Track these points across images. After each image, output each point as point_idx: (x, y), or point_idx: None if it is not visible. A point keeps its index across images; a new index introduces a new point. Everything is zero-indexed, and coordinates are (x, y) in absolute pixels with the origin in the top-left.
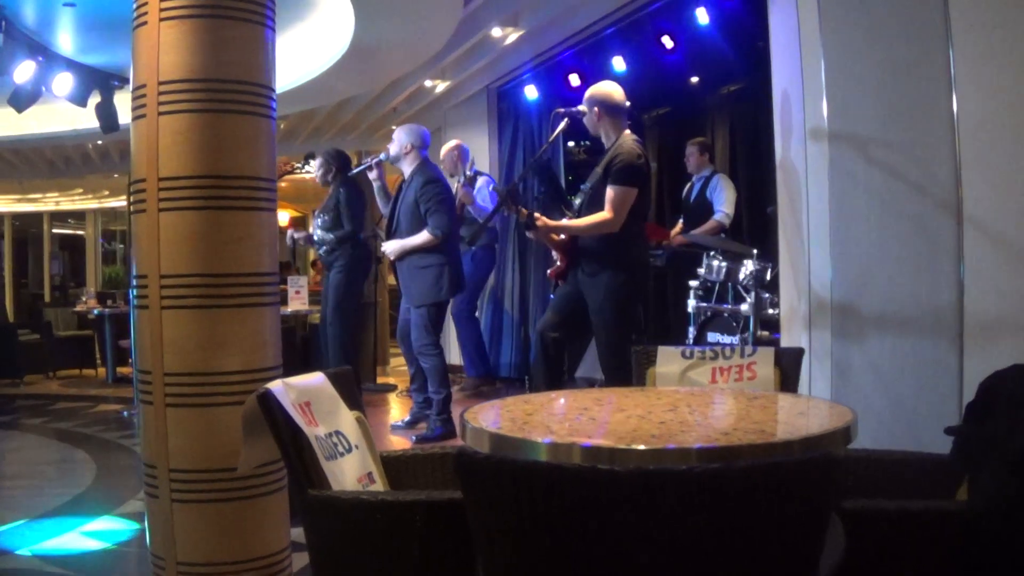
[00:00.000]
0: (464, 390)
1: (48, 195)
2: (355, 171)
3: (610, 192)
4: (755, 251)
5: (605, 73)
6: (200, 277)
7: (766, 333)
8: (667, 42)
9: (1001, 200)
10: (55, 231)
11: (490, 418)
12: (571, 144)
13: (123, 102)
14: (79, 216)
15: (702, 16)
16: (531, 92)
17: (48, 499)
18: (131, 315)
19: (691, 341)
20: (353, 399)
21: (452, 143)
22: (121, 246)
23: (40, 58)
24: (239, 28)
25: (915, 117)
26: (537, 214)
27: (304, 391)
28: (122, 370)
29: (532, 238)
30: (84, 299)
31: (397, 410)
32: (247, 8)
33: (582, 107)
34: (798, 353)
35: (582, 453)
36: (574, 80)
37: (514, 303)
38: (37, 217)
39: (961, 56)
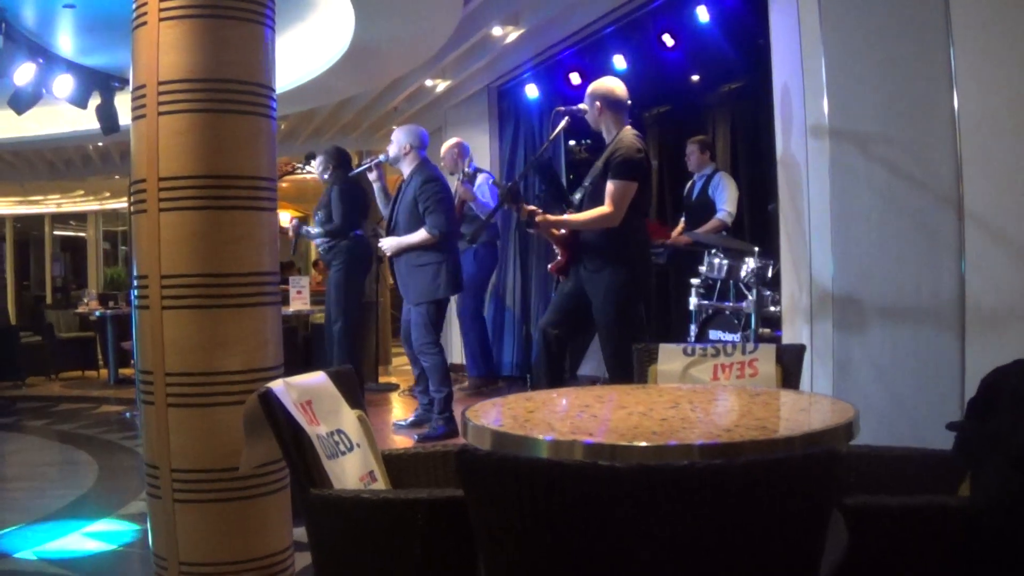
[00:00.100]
0: (465, 390)
1: (49, 197)
2: (355, 172)
3: (610, 186)
4: (756, 248)
5: (605, 72)
6: (201, 277)
7: (767, 330)
8: (668, 40)
9: (1002, 196)
10: (56, 233)
11: (492, 416)
12: (572, 143)
13: (123, 103)
14: (80, 218)
15: (702, 14)
16: (532, 91)
17: (50, 501)
18: (133, 316)
19: (693, 339)
20: (354, 398)
21: (452, 141)
22: (123, 248)
23: (40, 60)
24: (239, 28)
25: (916, 114)
26: (537, 208)
27: (305, 390)
28: (124, 371)
29: (534, 233)
30: (86, 301)
31: (399, 409)
32: (247, 8)
33: (583, 105)
34: (799, 350)
35: (584, 450)
36: (575, 79)
37: (516, 301)
38: (38, 219)
39: (961, 53)
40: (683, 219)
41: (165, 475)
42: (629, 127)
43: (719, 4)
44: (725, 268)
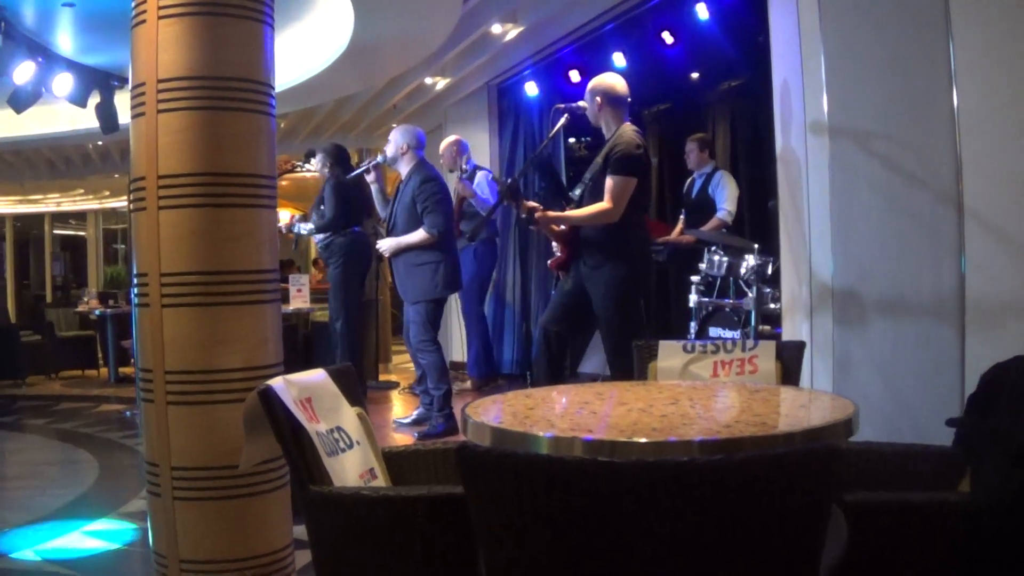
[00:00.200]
0: (466, 388)
1: (49, 196)
2: (352, 175)
3: (609, 182)
4: (756, 246)
5: (605, 69)
6: (200, 275)
7: (767, 327)
8: (667, 38)
9: (1002, 192)
10: (56, 232)
11: (492, 413)
12: (571, 140)
13: (123, 102)
14: (80, 217)
15: (702, 11)
16: (531, 88)
17: (51, 499)
18: (132, 314)
19: (693, 336)
20: (354, 395)
21: (451, 138)
22: (122, 246)
23: (40, 58)
24: (238, 25)
25: (916, 111)
26: (537, 205)
27: (305, 388)
28: (124, 370)
29: (534, 230)
30: (86, 299)
31: (399, 407)
32: (246, 5)
33: (582, 103)
34: (799, 347)
35: (583, 446)
36: (574, 76)
37: (515, 298)
38: (38, 218)
39: (961, 50)
40: (682, 217)
41: (165, 473)
42: (629, 123)
43: (719, 1)
44: (725, 265)
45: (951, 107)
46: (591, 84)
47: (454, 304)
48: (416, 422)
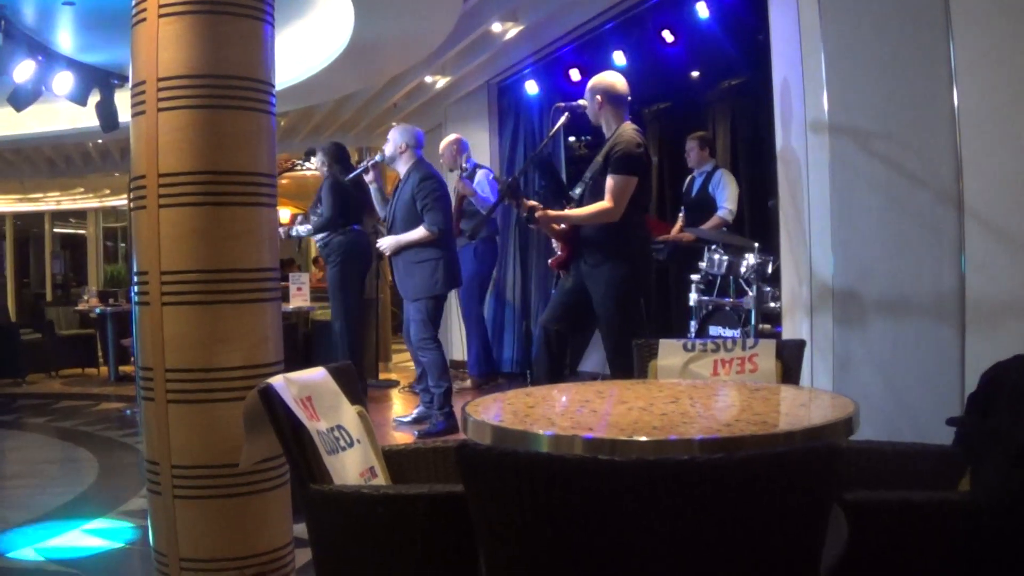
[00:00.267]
0: (466, 387)
1: (49, 194)
2: (352, 176)
3: (610, 181)
4: (756, 244)
5: (605, 68)
6: (201, 273)
7: (768, 326)
8: (667, 36)
9: (1002, 191)
10: (56, 230)
11: (492, 411)
12: (572, 139)
13: (123, 100)
14: (80, 215)
15: (702, 10)
16: (531, 87)
17: (50, 498)
18: (133, 313)
19: (693, 334)
20: (355, 394)
21: (451, 137)
22: (122, 244)
23: (40, 57)
24: (238, 24)
25: (916, 109)
26: (537, 204)
27: (305, 386)
28: (124, 368)
29: (534, 229)
30: (86, 298)
31: (400, 405)
32: (246, 3)
33: (582, 101)
34: (799, 345)
35: (584, 445)
36: (574, 75)
37: (516, 297)
38: (38, 216)
39: (962, 48)
40: (681, 215)
41: (165, 471)
42: (629, 122)
43: (719, 0)
44: (725, 264)
45: (951, 106)
46: (591, 83)
47: (454, 303)
48: (416, 420)
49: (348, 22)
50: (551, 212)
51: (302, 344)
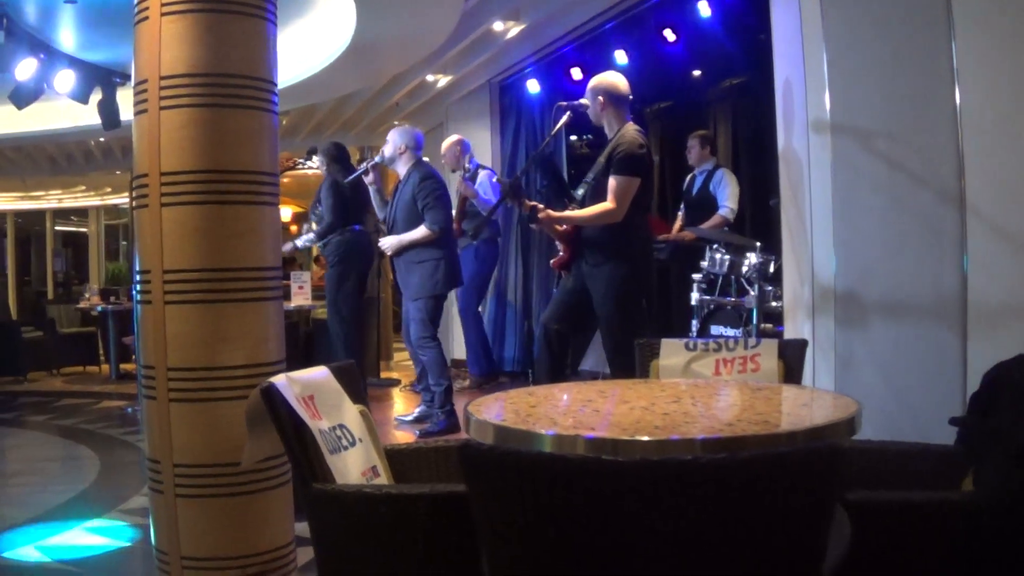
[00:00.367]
0: (467, 387)
1: (51, 192)
2: (351, 177)
3: (612, 182)
4: (758, 244)
5: (607, 67)
6: (203, 272)
7: (769, 326)
8: (669, 35)
9: (1004, 191)
10: (58, 228)
11: (494, 411)
12: (573, 138)
13: (125, 98)
14: (82, 213)
15: (704, 9)
16: (533, 86)
17: (52, 496)
18: (134, 311)
19: (695, 334)
20: (356, 393)
21: (454, 138)
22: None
23: (42, 55)
24: (241, 22)
25: (918, 109)
26: (539, 204)
27: (308, 385)
28: (125, 366)
29: (536, 229)
30: (87, 296)
31: (401, 405)
32: (249, 2)
33: (584, 100)
34: (801, 345)
35: (586, 445)
36: (576, 74)
37: (517, 297)
38: (40, 214)
39: (963, 48)
40: (680, 213)
41: (167, 470)
42: (631, 123)
43: None
44: (727, 263)
45: (953, 105)
46: (592, 83)
47: (454, 302)
48: (418, 420)
49: (350, 21)
50: (553, 212)
51: (303, 343)
